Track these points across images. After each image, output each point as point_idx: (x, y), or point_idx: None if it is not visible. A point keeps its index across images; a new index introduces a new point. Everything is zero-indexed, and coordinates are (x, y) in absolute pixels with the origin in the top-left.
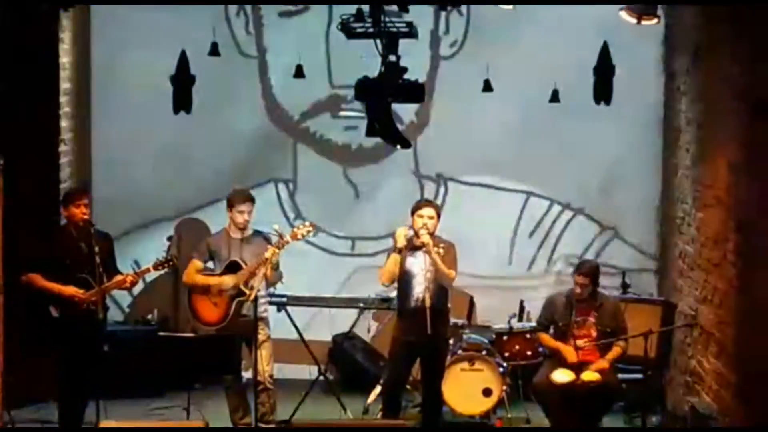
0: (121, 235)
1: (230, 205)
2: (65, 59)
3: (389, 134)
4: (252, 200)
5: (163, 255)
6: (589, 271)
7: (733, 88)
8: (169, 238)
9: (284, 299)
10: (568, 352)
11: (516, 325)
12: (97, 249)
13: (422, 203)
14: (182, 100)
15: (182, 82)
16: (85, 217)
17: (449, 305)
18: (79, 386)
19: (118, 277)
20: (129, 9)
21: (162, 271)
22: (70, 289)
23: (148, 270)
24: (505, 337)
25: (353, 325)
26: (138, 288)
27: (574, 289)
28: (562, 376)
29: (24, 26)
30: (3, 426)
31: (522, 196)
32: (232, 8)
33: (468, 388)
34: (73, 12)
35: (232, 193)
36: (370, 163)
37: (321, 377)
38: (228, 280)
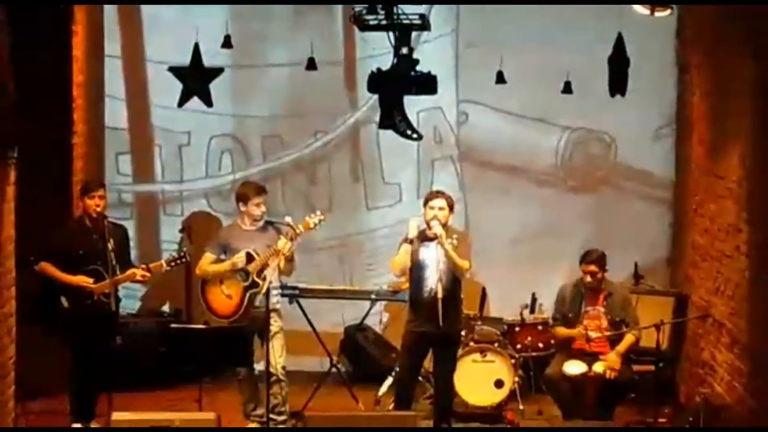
0: (131, 227)
1: (244, 199)
2: (78, 52)
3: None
4: (265, 191)
5: (176, 251)
6: (596, 258)
7: (746, 80)
8: (182, 231)
9: (296, 291)
10: (577, 335)
11: (528, 316)
12: (111, 241)
13: (433, 194)
14: (195, 93)
15: (198, 75)
16: (98, 209)
17: (462, 296)
18: (91, 378)
19: (129, 271)
20: None
21: (174, 268)
22: (79, 278)
23: (160, 266)
24: (517, 329)
25: (365, 317)
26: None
27: (584, 278)
28: (574, 367)
29: (37, 19)
30: (16, 417)
31: (535, 185)
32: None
33: (480, 379)
34: (86, 5)
35: (245, 187)
36: (383, 152)
37: (333, 369)
38: (240, 257)
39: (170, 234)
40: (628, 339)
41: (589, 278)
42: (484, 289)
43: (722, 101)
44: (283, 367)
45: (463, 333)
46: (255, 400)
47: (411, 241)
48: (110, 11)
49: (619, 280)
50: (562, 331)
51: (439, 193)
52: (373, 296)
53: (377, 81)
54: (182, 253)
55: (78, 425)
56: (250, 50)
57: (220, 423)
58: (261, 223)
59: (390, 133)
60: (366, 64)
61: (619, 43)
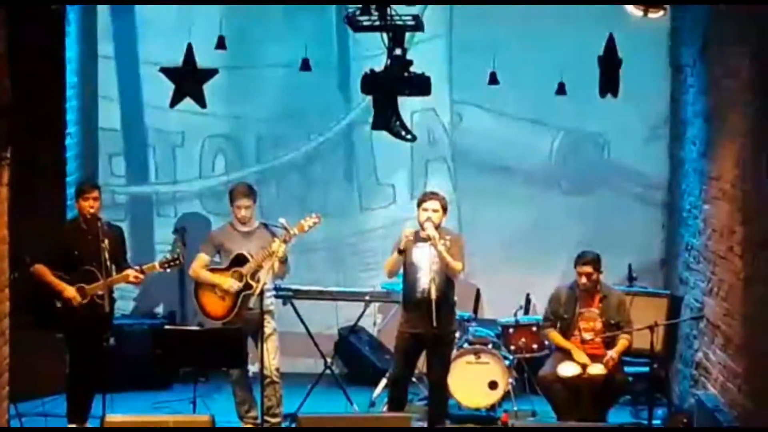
0: (125, 228)
1: (230, 200)
2: (72, 53)
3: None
4: (252, 195)
5: (169, 253)
6: (591, 260)
7: (740, 80)
8: (175, 232)
9: (290, 293)
10: (578, 354)
11: (522, 318)
12: (105, 242)
13: (427, 196)
14: (188, 94)
15: (191, 76)
16: (92, 210)
17: (455, 297)
18: (86, 379)
19: (124, 272)
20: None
21: (168, 270)
22: (70, 292)
23: (153, 267)
24: (511, 330)
25: (359, 318)
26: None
27: (579, 280)
28: (568, 369)
29: (31, 20)
30: (9, 419)
31: (529, 186)
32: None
33: (474, 381)
34: (80, 5)
35: (234, 186)
36: (377, 153)
37: (327, 370)
38: (234, 283)
39: (164, 235)
40: (622, 344)
41: (584, 280)
42: (478, 291)
43: (716, 101)
44: (277, 369)
45: (456, 334)
46: (249, 401)
47: (401, 252)
48: (104, 12)
49: (612, 282)
50: (557, 338)
51: (432, 195)
52: (367, 298)
53: (371, 82)
54: (176, 255)
55: (73, 426)
56: (243, 51)
57: (214, 425)
58: (255, 225)
59: (384, 134)
60: (359, 65)
61: (610, 43)
